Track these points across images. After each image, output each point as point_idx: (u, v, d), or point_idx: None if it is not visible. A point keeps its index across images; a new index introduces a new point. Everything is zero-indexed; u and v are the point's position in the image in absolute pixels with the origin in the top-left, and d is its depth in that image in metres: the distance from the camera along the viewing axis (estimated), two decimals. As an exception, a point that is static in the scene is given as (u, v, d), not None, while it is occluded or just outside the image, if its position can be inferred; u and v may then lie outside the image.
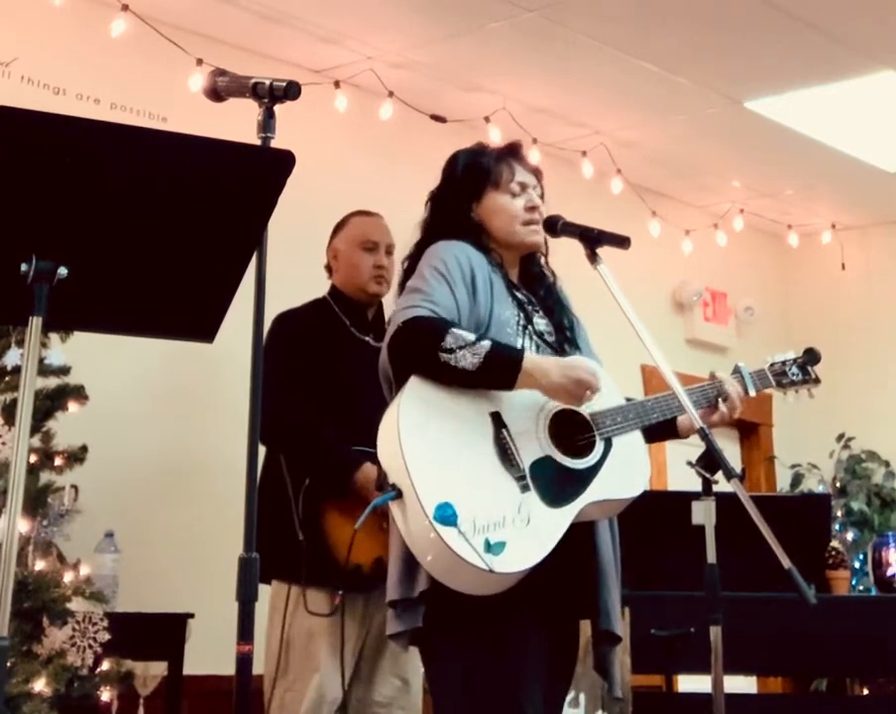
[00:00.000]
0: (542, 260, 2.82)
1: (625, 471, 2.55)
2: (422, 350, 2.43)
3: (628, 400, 2.67)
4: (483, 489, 2.39)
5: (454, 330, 2.43)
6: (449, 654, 2.47)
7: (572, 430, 2.55)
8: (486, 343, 2.43)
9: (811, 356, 2.93)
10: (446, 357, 2.40)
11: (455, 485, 2.36)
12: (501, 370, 2.45)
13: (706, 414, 2.68)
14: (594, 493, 2.48)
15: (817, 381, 2.92)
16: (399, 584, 2.46)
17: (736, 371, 2.82)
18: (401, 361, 2.47)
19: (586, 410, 2.56)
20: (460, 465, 2.40)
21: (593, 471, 2.51)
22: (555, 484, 2.46)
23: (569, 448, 2.51)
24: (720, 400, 2.71)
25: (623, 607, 2.75)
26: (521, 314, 2.64)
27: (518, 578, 2.37)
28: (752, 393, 2.81)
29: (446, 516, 2.31)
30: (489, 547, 2.32)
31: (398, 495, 2.36)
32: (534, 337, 2.64)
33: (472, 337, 2.43)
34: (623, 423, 2.58)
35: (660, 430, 2.72)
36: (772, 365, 2.90)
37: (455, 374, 2.41)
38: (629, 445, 2.59)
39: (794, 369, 2.90)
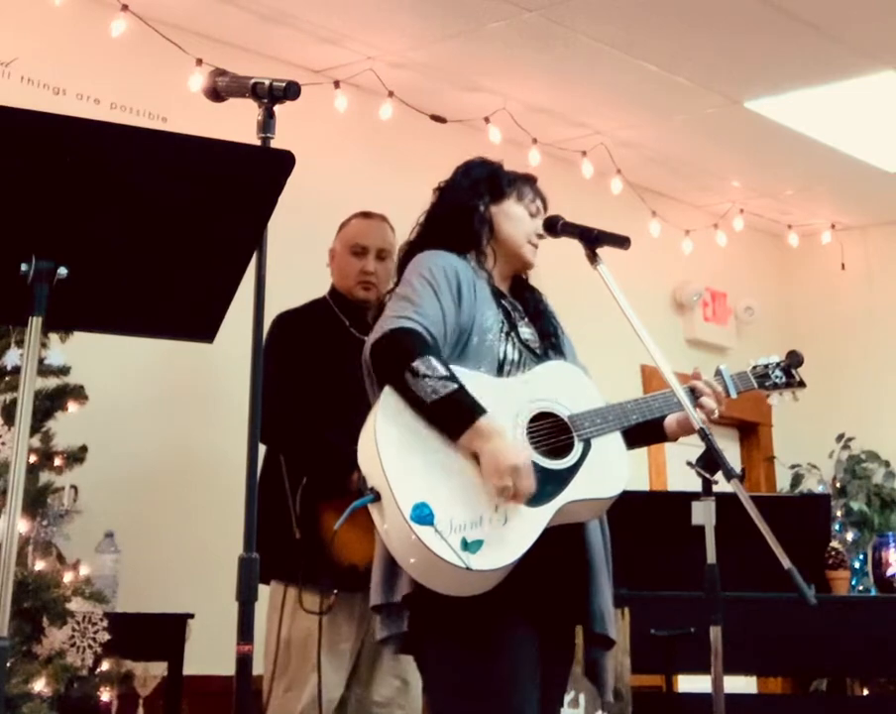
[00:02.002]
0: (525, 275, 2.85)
1: (604, 471, 2.55)
2: (393, 365, 2.45)
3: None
4: (460, 489, 2.40)
5: (430, 358, 2.42)
6: (441, 659, 2.48)
7: (550, 432, 2.55)
8: (452, 386, 2.41)
9: (794, 359, 2.93)
10: (410, 380, 2.40)
11: (432, 486, 2.37)
12: (452, 417, 2.42)
13: (683, 418, 2.68)
14: (572, 493, 2.49)
15: (801, 384, 2.92)
16: (381, 588, 2.48)
17: (718, 373, 2.82)
18: (376, 368, 2.50)
19: (565, 412, 2.57)
20: (437, 466, 2.41)
21: (571, 472, 2.51)
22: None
23: (547, 449, 2.52)
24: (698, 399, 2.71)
25: (623, 607, 2.75)
26: (505, 321, 2.65)
27: (498, 578, 2.37)
28: (734, 394, 2.81)
29: (423, 515, 2.33)
30: (466, 546, 2.33)
31: (377, 498, 2.37)
32: (517, 344, 2.65)
33: (444, 372, 2.42)
34: (602, 425, 2.58)
35: (645, 434, 2.73)
36: (754, 368, 2.90)
37: (413, 399, 2.42)
38: (609, 447, 2.59)
39: (777, 372, 2.90)
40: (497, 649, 2.43)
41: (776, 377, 2.91)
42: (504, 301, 2.70)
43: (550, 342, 2.73)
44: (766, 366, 2.91)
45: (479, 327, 2.58)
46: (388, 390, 2.46)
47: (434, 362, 2.42)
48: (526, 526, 2.41)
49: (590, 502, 2.53)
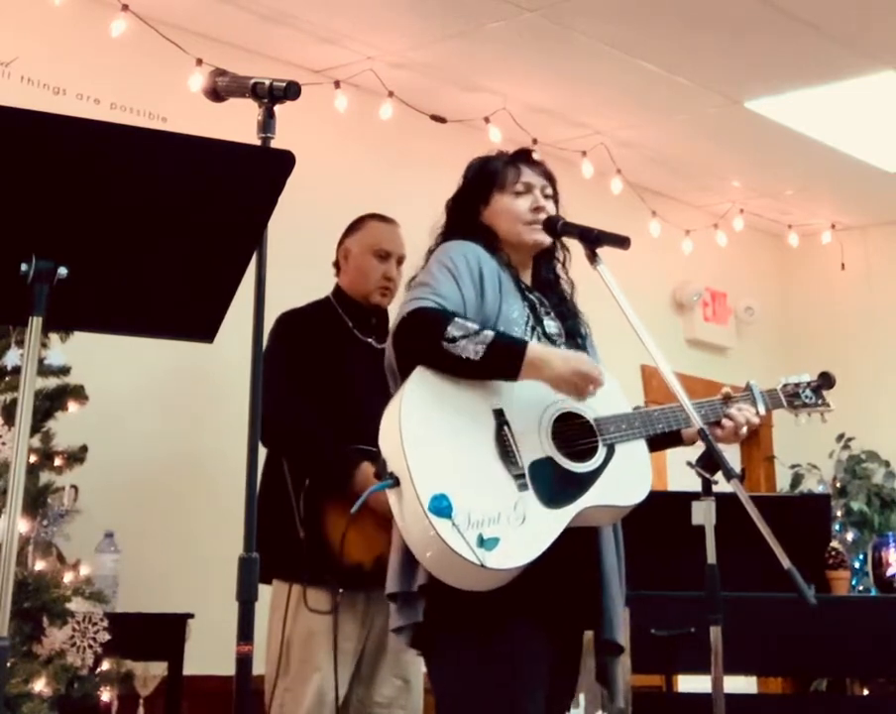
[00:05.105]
0: (559, 266, 2.82)
1: (626, 479, 2.54)
2: (426, 340, 2.43)
3: (636, 408, 2.67)
4: (480, 484, 2.39)
5: (458, 320, 2.43)
6: (450, 656, 2.47)
7: (575, 434, 2.54)
8: (489, 333, 2.43)
9: (825, 380, 2.90)
10: (449, 346, 2.40)
11: (453, 478, 2.36)
12: (505, 360, 2.44)
13: (712, 429, 2.66)
14: (592, 498, 2.48)
15: (829, 406, 2.89)
16: (399, 577, 2.47)
17: (747, 388, 2.80)
18: (405, 351, 2.47)
19: (591, 414, 2.56)
20: (459, 458, 2.40)
21: (593, 476, 2.50)
22: (554, 485, 2.45)
23: (570, 451, 2.51)
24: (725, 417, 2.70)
25: (623, 607, 2.75)
26: (531, 315, 2.64)
27: (511, 576, 2.36)
28: (762, 411, 2.78)
29: (441, 507, 2.31)
30: (482, 542, 2.32)
31: (396, 483, 2.36)
32: (542, 338, 2.63)
33: (475, 326, 2.43)
34: (628, 431, 2.57)
35: (664, 439, 2.71)
36: (785, 386, 2.88)
37: (459, 363, 2.41)
38: (632, 454, 2.58)
39: (807, 392, 2.88)
40: (510, 649, 2.42)
41: (806, 397, 2.87)
42: (529, 295, 2.70)
43: (575, 342, 2.72)
44: (797, 385, 2.88)
45: (505, 318, 2.57)
46: (416, 375, 2.44)
47: (462, 321, 2.43)
48: (543, 528, 2.40)
49: (608, 509, 2.52)
